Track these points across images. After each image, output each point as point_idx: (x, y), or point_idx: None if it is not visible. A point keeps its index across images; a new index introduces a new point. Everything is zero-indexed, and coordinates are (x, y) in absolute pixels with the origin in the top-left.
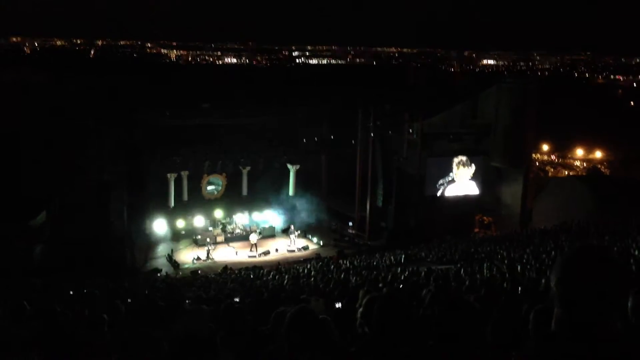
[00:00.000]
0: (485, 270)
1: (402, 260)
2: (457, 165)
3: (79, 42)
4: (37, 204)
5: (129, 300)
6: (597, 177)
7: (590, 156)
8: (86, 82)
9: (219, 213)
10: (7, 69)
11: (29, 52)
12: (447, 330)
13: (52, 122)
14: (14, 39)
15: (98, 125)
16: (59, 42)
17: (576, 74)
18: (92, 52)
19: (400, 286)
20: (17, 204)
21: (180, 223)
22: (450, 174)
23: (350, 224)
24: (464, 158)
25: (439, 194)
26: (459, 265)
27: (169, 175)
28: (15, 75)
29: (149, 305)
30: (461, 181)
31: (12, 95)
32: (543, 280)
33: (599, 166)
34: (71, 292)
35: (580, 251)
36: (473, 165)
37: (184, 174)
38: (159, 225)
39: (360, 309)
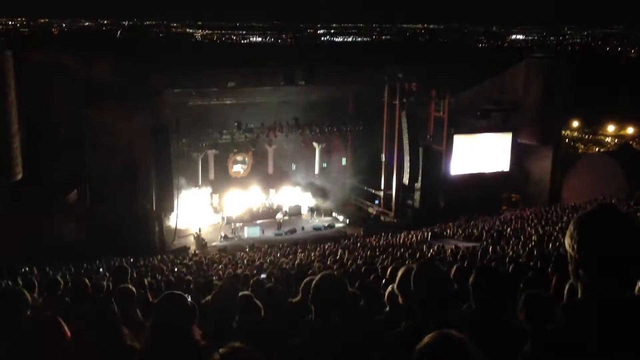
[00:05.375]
0: (512, 248)
1: (429, 238)
2: (485, 142)
3: (105, 22)
4: (68, 183)
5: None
6: (628, 154)
7: (622, 132)
8: (113, 63)
9: (245, 191)
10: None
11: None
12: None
13: (81, 103)
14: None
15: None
16: (86, 23)
17: (608, 48)
18: (119, 33)
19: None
20: (49, 183)
21: (208, 202)
22: (479, 151)
23: (377, 202)
24: (492, 135)
25: (466, 171)
26: (485, 243)
27: (195, 154)
28: (44, 56)
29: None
30: (489, 159)
31: (41, 77)
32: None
33: (631, 142)
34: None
35: (598, 212)
36: (499, 142)
37: (211, 152)
38: (187, 204)
39: (394, 284)
